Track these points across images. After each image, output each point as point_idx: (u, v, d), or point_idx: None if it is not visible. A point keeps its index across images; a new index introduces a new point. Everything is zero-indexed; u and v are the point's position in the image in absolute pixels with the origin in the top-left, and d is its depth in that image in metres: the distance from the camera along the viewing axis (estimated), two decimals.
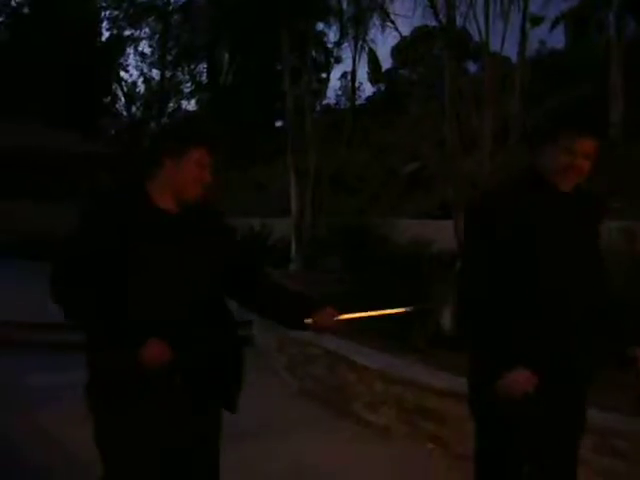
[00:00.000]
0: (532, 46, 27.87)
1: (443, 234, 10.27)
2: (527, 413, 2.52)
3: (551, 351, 2.56)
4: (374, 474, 4.70)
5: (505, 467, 2.67)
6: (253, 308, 2.91)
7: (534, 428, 2.57)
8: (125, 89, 37.04)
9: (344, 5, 17.27)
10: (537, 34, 34.19)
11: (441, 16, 11.22)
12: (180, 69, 33.66)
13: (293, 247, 14.64)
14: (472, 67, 34.76)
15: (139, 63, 36.83)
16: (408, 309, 2.60)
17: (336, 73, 48.07)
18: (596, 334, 2.68)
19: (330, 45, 29.25)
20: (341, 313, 2.72)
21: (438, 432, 5.02)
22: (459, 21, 12.35)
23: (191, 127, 2.58)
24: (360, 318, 2.65)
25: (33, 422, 5.44)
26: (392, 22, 14.61)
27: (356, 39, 26.33)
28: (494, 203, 2.69)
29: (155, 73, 35.99)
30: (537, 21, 24.26)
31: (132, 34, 34.77)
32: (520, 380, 2.48)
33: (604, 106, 14.47)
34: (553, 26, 30.62)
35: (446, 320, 6.64)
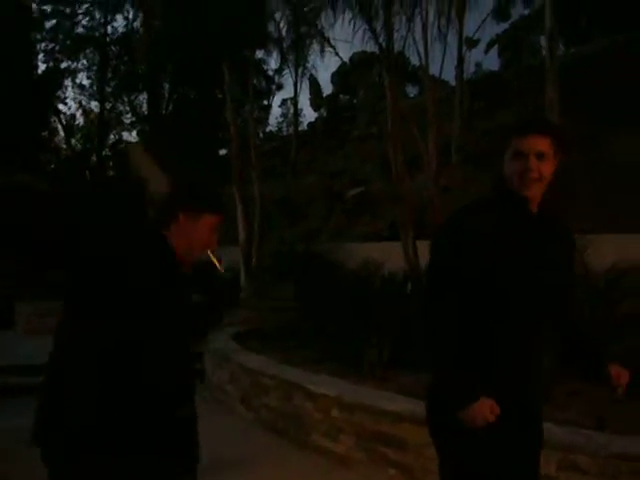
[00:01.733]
0: (469, 69, 28.51)
1: (391, 255, 10.30)
2: (487, 437, 2.48)
3: (514, 379, 2.54)
4: None
5: None
6: None
7: (494, 449, 2.52)
8: (64, 122, 36.50)
9: (283, 32, 17.34)
10: (473, 57, 34.96)
11: (380, 40, 11.35)
12: (120, 100, 33.32)
13: (242, 275, 14.53)
14: (411, 90, 35.37)
15: (77, 95, 36.43)
16: None
17: (277, 100, 48.19)
18: (554, 354, 2.69)
19: (271, 72, 29.36)
20: None
21: (399, 458, 4.94)
22: (398, 45, 12.56)
23: (209, 192, 2.64)
24: None
25: None
26: (332, 47, 14.68)
27: (297, 65, 26.48)
28: (462, 220, 2.63)
29: (94, 105, 35.59)
30: (473, 43, 24.85)
31: (69, 66, 34.34)
32: (485, 410, 2.44)
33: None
34: (488, 49, 31.42)
35: None
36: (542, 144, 2.54)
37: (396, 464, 4.95)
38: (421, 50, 12.63)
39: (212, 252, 2.66)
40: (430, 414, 2.73)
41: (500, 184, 2.64)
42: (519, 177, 2.54)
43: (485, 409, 2.44)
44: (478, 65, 33.75)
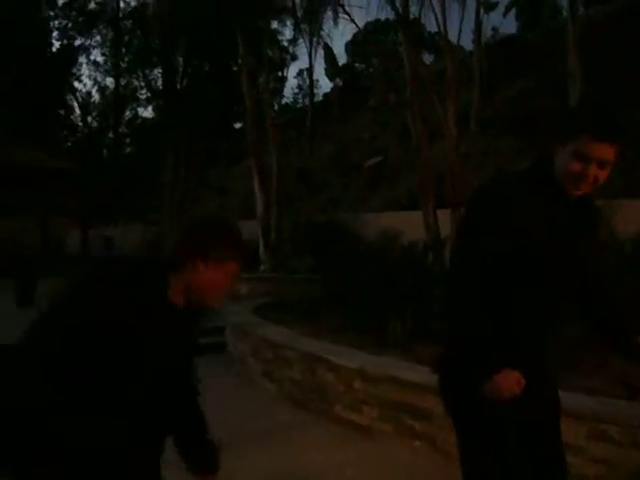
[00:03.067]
0: (486, 34, 28.10)
1: (412, 224, 10.20)
2: (511, 411, 2.42)
3: (538, 352, 2.49)
4: (360, 475, 4.57)
5: (493, 462, 2.53)
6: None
7: (517, 422, 2.47)
8: (79, 99, 36.50)
9: (297, 0, 17.12)
10: (490, 21, 34.46)
11: (398, 6, 11.15)
12: (135, 76, 33.22)
13: (261, 249, 14.49)
14: (427, 58, 34.99)
15: (92, 72, 36.43)
16: None
17: (292, 71, 47.88)
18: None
19: (285, 43, 29.10)
20: None
21: (423, 429, 4.89)
22: (414, 10, 12.36)
23: (234, 239, 2.32)
24: None
25: None
26: (347, 13, 14.46)
27: (311, 35, 26.22)
28: (503, 191, 2.50)
29: (109, 81, 35.57)
30: (491, 7, 24.44)
31: (83, 43, 34.27)
32: (512, 381, 2.36)
33: (566, 91, 14.57)
34: (506, 12, 30.90)
35: None
36: (609, 153, 2.37)
37: (420, 435, 4.91)
38: (438, 15, 12.44)
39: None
40: (446, 388, 2.64)
41: (547, 167, 2.49)
42: (574, 179, 2.40)
43: (512, 380, 2.36)
44: (495, 29, 33.20)
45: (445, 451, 4.62)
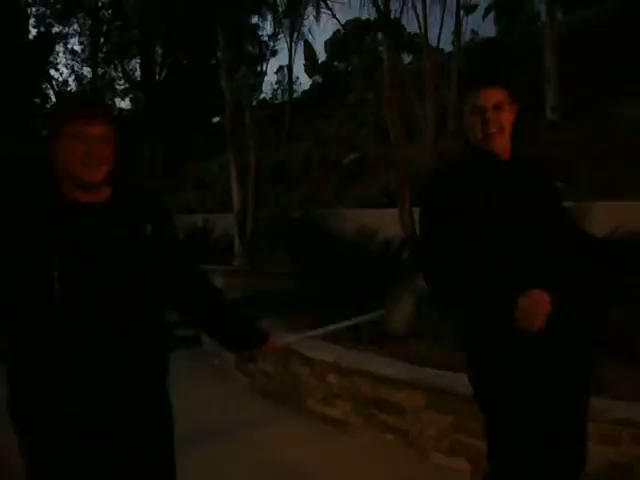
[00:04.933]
0: (465, 36, 28.23)
1: (388, 222, 10.24)
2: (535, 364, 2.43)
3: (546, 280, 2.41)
4: (333, 468, 4.61)
5: (526, 439, 2.50)
6: (191, 323, 2.67)
7: (541, 403, 2.46)
8: (56, 88, 36.12)
9: None
10: (470, 24, 34.63)
11: (380, 4, 11.19)
12: (112, 66, 32.94)
13: (236, 242, 14.46)
14: (406, 59, 35.09)
15: (69, 61, 36.01)
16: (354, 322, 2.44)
17: (272, 67, 47.77)
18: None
19: (265, 38, 29.01)
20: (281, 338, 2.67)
21: (396, 423, 4.93)
22: (395, 10, 12.41)
23: (64, 105, 2.37)
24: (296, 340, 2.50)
25: None
26: (329, 9, 14.48)
27: (292, 30, 26.19)
28: (438, 178, 2.69)
29: (87, 71, 35.20)
30: (471, 9, 24.59)
31: (61, 31, 33.88)
32: (537, 299, 2.27)
33: (539, 90, 14.75)
34: (485, 15, 31.11)
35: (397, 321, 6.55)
36: (497, 95, 2.58)
37: (393, 429, 4.95)
38: (419, 14, 12.52)
39: None
40: (474, 374, 2.65)
41: (467, 141, 2.66)
42: (481, 131, 2.57)
43: (537, 297, 2.27)
44: (475, 32, 33.40)
45: (417, 445, 4.68)
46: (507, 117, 2.61)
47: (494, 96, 2.57)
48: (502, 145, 2.60)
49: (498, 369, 2.52)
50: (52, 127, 2.19)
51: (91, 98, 2.68)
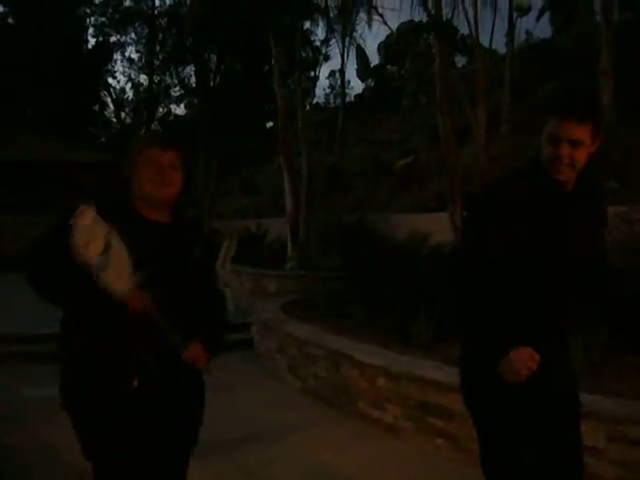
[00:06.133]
0: (519, 37, 27.93)
1: (439, 226, 10.23)
2: (523, 399, 2.48)
3: (548, 333, 2.56)
4: (382, 472, 4.63)
5: (512, 456, 2.58)
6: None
7: (534, 415, 2.53)
8: (114, 96, 36.89)
9: (329, 1, 17.17)
10: (524, 25, 34.16)
11: (430, 8, 11.16)
12: (168, 73, 33.46)
13: (289, 247, 14.58)
14: (459, 60, 34.83)
15: (126, 69, 36.72)
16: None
17: (324, 72, 47.86)
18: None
19: (317, 43, 29.14)
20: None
21: (445, 427, 4.94)
22: (446, 13, 12.36)
23: (146, 134, 2.75)
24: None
25: (36, 435, 5.34)
26: (380, 15, 14.47)
27: (343, 36, 26.23)
28: (496, 191, 2.63)
29: (143, 78, 35.87)
30: (524, 10, 24.28)
31: (118, 40, 34.61)
32: (526, 357, 2.41)
33: (595, 91, 14.48)
34: (539, 16, 30.68)
35: None
36: (579, 132, 2.42)
37: (442, 433, 4.96)
38: (471, 17, 12.44)
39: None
40: (465, 382, 2.73)
41: (537, 161, 2.58)
42: (550, 162, 2.48)
43: (526, 356, 2.41)
44: (529, 33, 32.98)
45: (467, 449, 4.67)
46: (583, 154, 2.46)
47: (575, 132, 2.41)
48: (569, 177, 2.51)
49: (485, 387, 2.57)
50: (133, 152, 2.61)
51: (166, 134, 3.23)
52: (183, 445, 2.70)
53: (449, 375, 5.00)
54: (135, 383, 2.42)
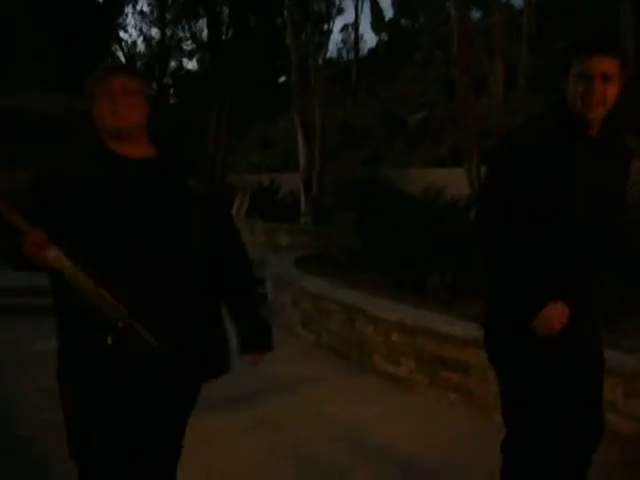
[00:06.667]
0: None
1: (455, 181, 10.14)
2: (557, 350, 2.49)
3: (576, 284, 2.55)
4: (397, 425, 4.63)
5: (537, 410, 2.57)
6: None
7: (559, 369, 2.53)
8: (125, 49, 36.60)
9: None
10: None
11: None
12: (180, 27, 33.12)
13: (302, 201, 14.53)
14: (475, 15, 34.26)
15: (138, 22, 36.42)
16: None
17: (337, 26, 47.30)
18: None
19: None
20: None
21: (460, 382, 4.92)
22: None
23: (101, 66, 2.46)
24: None
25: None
26: None
27: None
28: (524, 137, 2.58)
29: (155, 32, 35.53)
30: None
31: None
32: (558, 313, 2.44)
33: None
34: None
35: None
36: (609, 66, 2.41)
37: (457, 388, 4.94)
38: None
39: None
40: (490, 337, 2.71)
41: (562, 104, 2.55)
42: (582, 99, 2.43)
43: (558, 311, 2.44)
44: None
45: (481, 404, 4.66)
46: (614, 90, 2.45)
47: (605, 65, 2.41)
48: (599, 116, 2.48)
49: (512, 341, 2.56)
50: (88, 90, 2.40)
51: (121, 62, 2.92)
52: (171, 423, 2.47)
53: (465, 329, 4.98)
54: (109, 340, 2.22)
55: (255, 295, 2.61)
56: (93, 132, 2.42)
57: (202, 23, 31.15)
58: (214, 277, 2.46)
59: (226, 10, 27.72)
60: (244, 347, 2.54)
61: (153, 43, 35.99)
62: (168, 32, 34.01)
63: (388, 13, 42.65)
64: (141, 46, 37.19)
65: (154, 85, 36.19)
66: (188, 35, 33.23)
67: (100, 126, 2.36)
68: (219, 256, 2.48)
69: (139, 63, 36.96)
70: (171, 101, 36.93)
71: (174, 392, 2.39)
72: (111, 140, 2.36)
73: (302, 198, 14.55)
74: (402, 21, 41.49)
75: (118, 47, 36.38)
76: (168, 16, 33.49)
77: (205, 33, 31.01)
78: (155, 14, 34.40)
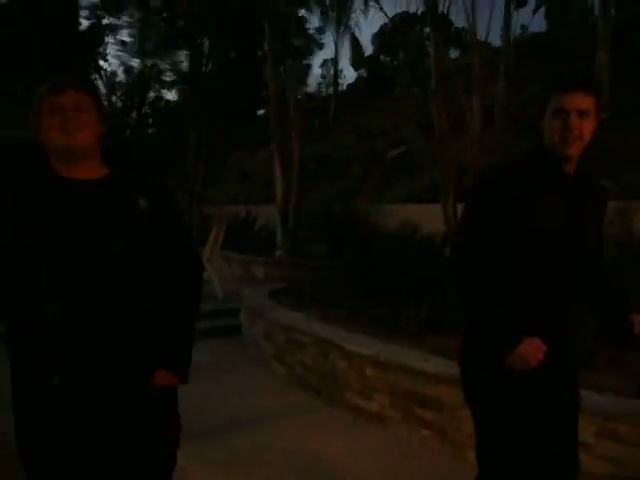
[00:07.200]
0: (515, 31, 27.86)
1: (431, 217, 10.18)
2: (525, 393, 2.48)
3: (552, 321, 2.55)
4: (369, 461, 4.58)
5: (511, 450, 2.54)
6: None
7: (532, 407, 2.51)
8: (104, 79, 36.59)
9: None
10: (519, 19, 34.19)
11: None
12: (160, 57, 33.20)
13: (278, 234, 14.52)
14: (454, 53, 34.80)
15: (119, 52, 36.42)
16: None
17: (317, 62, 47.93)
18: (584, 313, 2.77)
19: (312, 31, 29.00)
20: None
21: (433, 418, 4.88)
22: (442, 6, 12.33)
23: (44, 84, 2.27)
24: None
25: None
26: (377, 1, 14.41)
27: (338, 24, 26.14)
28: (497, 175, 2.57)
29: (135, 62, 35.58)
30: (522, 3, 24.27)
31: (111, 22, 34.28)
32: (534, 348, 2.43)
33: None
34: (536, 9, 30.68)
35: None
36: (585, 102, 2.46)
37: (430, 424, 4.90)
38: (468, 9, 12.37)
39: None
40: (466, 375, 2.69)
41: (539, 142, 2.57)
42: (559, 135, 2.46)
43: (534, 347, 2.43)
44: (524, 27, 33.00)
45: (454, 441, 4.63)
46: (589, 126, 2.49)
47: (581, 101, 2.46)
48: (576, 152, 2.52)
49: (488, 379, 2.56)
50: (33, 108, 2.24)
51: (67, 73, 2.53)
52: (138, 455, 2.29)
53: (438, 366, 4.95)
54: (55, 380, 2.12)
55: (190, 321, 2.42)
56: (41, 155, 2.26)
57: (182, 54, 31.29)
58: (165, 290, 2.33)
59: (206, 42, 27.88)
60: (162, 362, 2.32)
61: (133, 73, 36.05)
62: (148, 62, 34.10)
63: (368, 49, 43.27)
64: (121, 75, 37.13)
65: (133, 114, 36.25)
66: (168, 66, 33.33)
67: (48, 146, 2.22)
68: (171, 270, 2.35)
69: (118, 93, 37.00)
70: (149, 131, 36.90)
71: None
72: (60, 162, 2.23)
73: (278, 230, 14.55)
74: (381, 57, 42.02)
75: (98, 76, 36.38)
76: (148, 46, 33.59)
77: (185, 64, 31.13)
78: (136, 44, 34.50)
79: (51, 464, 2.17)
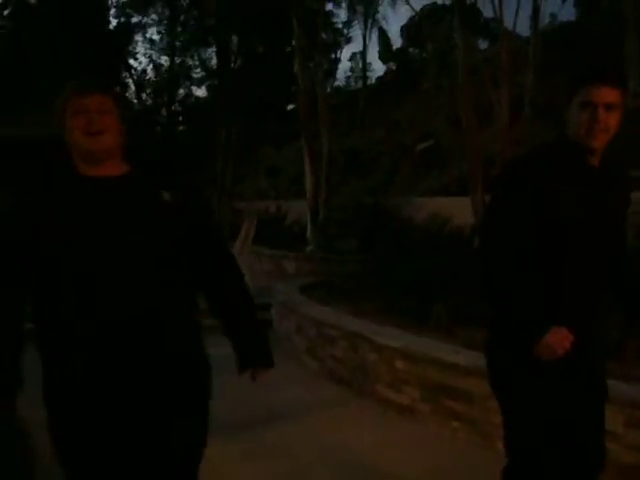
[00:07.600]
0: (543, 21, 27.59)
1: (460, 210, 10.17)
2: (553, 382, 2.51)
3: (579, 311, 2.57)
4: (399, 453, 4.63)
5: (539, 440, 2.58)
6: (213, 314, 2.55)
7: (560, 395, 2.54)
8: (135, 77, 36.90)
9: None
10: (548, 8, 33.74)
11: None
12: (189, 55, 33.39)
13: (309, 229, 14.58)
14: (482, 44, 34.52)
15: (148, 50, 36.72)
16: None
17: (346, 54, 47.78)
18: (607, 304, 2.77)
19: (339, 25, 28.99)
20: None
21: (463, 410, 4.92)
22: None
23: (68, 85, 2.34)
24: None
25: None
26: None
27: (366, 17, 26.09)
28: (521, 167, 2.61)
29: (164, 60, 35.84)
30: None
31: (140, 21, 34.55)
32: (561, 337, 2.45)
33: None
34: None
35: None
36: (612, 95, 2.47)
37: (460, 416, 4.94)
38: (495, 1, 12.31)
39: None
40: (493, 365, 2.73)
41: (564, 133, 2.59)
42: (586, 128, 2.48)
43: (561, 336, 2.45)
44: (553, 16, 32.66)
45: (484, 432, 4.66)
46: (615, 119, 2.51)
47: (608, 95, 2.46)
48: (601, 145, 2.53)
49: (515, 369, 2.59)
50: (58, 109, 2.30)
51: (91, 76, 2.55)
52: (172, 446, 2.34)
53: (468, 358, 4.98)
54: (82, 364, 2.17)
55: (251, 309, 2.53)
56: (65, 155, 2.31)
57: (211, 51, 31.44)
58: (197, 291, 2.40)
59: (235, 39, 27.98)
60: (242, 363, 2.46)
61: (162, 70, 36.31)
62: (177, 60, 34.31)
63: (396, 42, 43.03)
64: (150, 73, 37.42)
65: (163, 112, 36.53)
66: (197, 63, 33.50)
67: (72, 146, 2.28)
68: (206, 269, 2.42)
69: (148, 90, 37.29)
70: (179, 128, 37.15)
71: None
72: (83, 163, 2.28)
73: (308, 226, 14.61)
74: (410, 50, 41.83)
75: (128, 74, 36.70)
76: (177, 44, 33.78)
77: (214, 61, 31.28)
78: (164, 42, 34.72)
79: (88, 458, 2.22)
